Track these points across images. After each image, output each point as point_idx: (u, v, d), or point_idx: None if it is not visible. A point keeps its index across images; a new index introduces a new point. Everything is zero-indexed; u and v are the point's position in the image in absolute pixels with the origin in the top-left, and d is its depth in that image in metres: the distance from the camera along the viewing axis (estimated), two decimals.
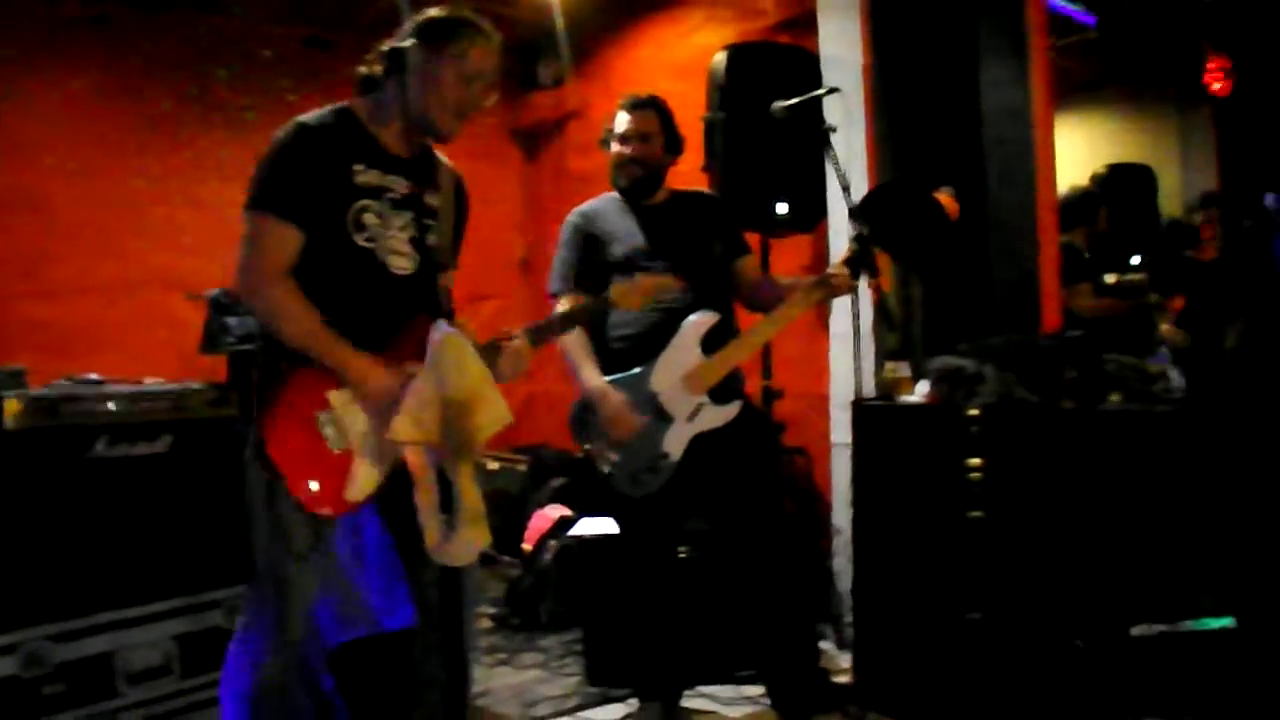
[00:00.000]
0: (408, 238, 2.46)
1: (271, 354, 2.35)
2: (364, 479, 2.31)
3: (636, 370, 3.16)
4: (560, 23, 6.11)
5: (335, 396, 2.30)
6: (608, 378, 3.16)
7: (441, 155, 2.63)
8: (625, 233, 3.29)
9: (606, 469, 3.16)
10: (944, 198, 3.02)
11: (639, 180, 3.30)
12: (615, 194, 3.39)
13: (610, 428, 3.11)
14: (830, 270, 3.09)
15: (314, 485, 2.27)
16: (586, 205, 3.41)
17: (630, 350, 3.21)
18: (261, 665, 2.37)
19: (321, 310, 2.32)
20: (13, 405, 2.95)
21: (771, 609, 3.20)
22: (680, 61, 5.57)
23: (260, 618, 2.41)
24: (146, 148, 5.35)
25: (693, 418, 3.13)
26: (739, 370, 3.24)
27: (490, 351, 2.44)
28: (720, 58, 4.35)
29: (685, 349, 3.13)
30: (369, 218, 2.39)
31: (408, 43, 2.41)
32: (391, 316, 2.40)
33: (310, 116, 2.40)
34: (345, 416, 2.31)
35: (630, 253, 3.25)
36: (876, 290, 3.04)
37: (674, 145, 3.35)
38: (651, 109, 3.31)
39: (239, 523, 2.46)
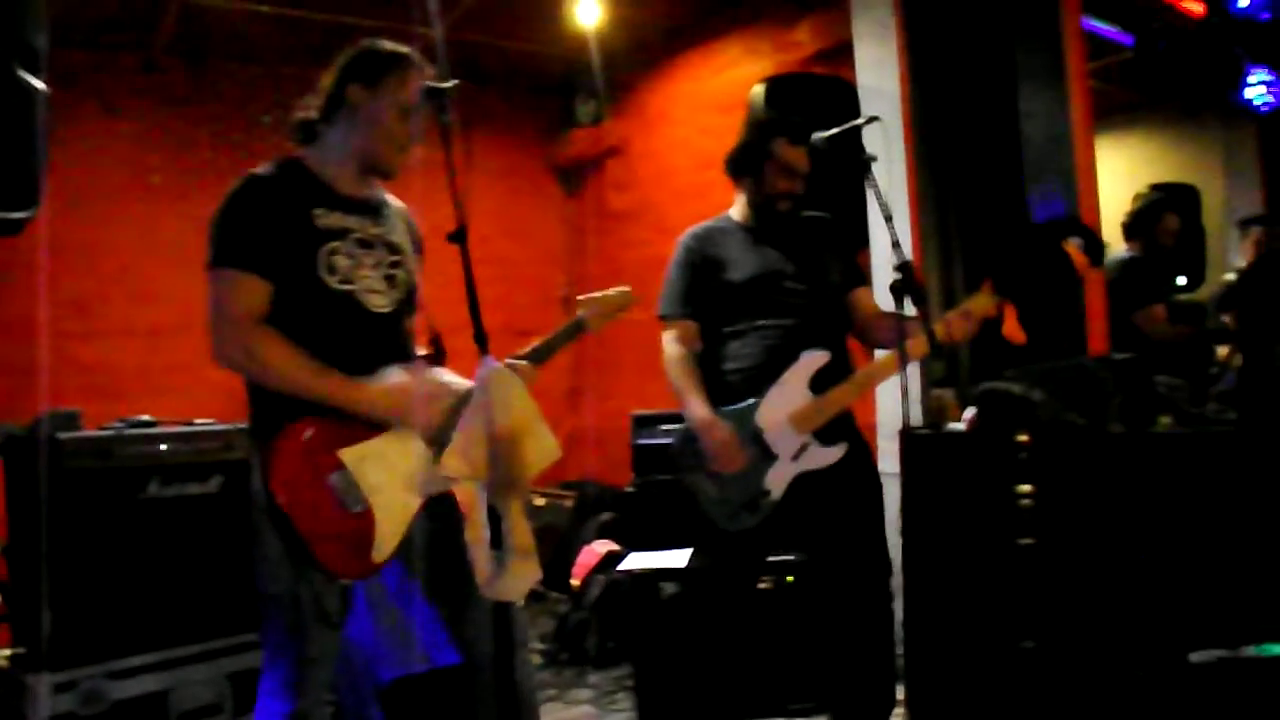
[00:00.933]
0: (381, 275, 2.43)
1: (265, 418, 2.30)
2: (388, 535, 2.29)
3: (748, 403, 3.11)
4: (597, 60, 6.16)
5: (346, 455, 2.25)
6: (718, 410, 3.11)
7: (389, 196, 2.61)
8: (747, 257, 3.22)
9: (704, 501, 3.13)
10: (1072, 249, 2.99)
11: (786, 213, 3.24)
12: (732, 216, 3.33)
13: (714, 462, 3.06)
14: (951, 313, 3.02)
15: (340, 550, 2.23)
16: (699, 228, 3.32)
17: (742, 383, 3.14)
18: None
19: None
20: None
21: (864, 649, 3.15)
22: (718, 95, 5.60)
23: (284, 691, 2.31)
24: (192, 193, 5.44)
25: (797, 457, 3.08)
26: (851, 409, 3.19)
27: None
28: (758, 90, 4.36)
29: (794, 387, 3.08)
30: (339, 260, 2.36)
31: (344, 84, 2.40)
32: (374, 356, 2.37)
33: (261, 168, 2.39)
34: (359, 473, 2.26)
35: (750, 278, 3.18)
36: (922, 319, 3.01)
37: None
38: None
39: None
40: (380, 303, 2.42)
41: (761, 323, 3.16)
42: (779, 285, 3.18)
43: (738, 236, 3.26)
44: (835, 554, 3.18)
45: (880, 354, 3.16)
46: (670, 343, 3.21)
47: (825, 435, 3.09)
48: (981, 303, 3.03)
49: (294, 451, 2.23)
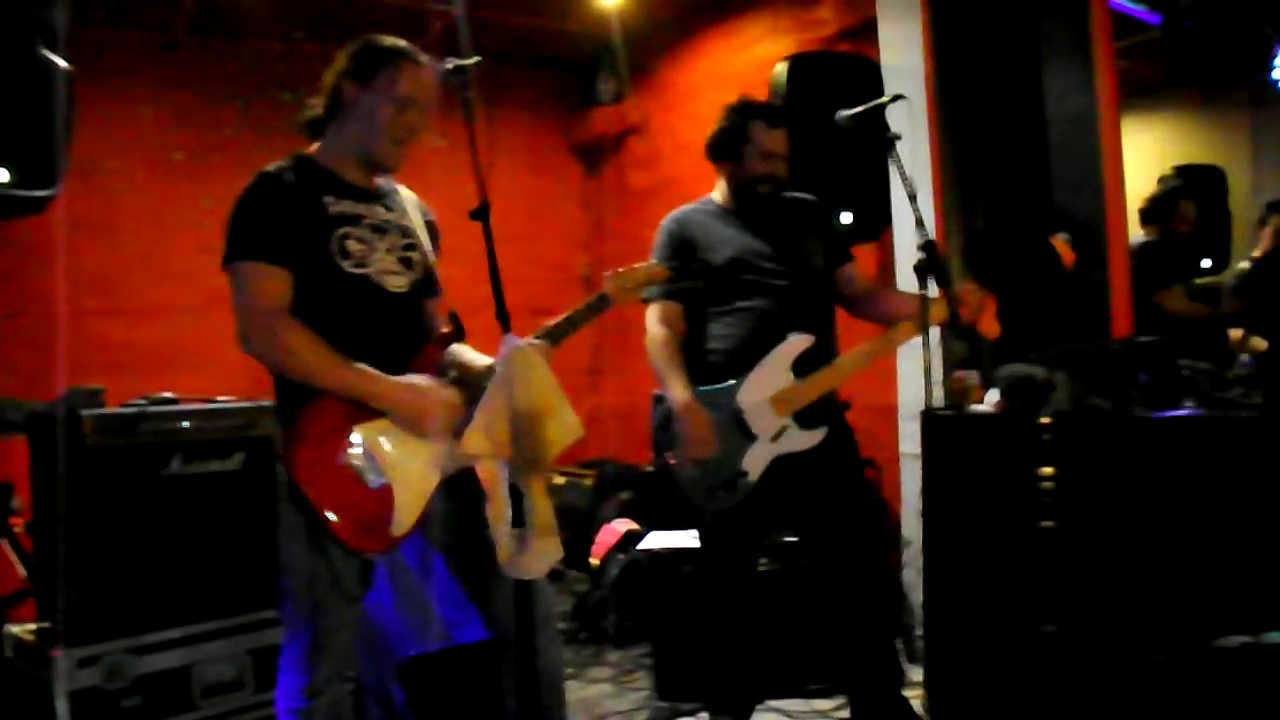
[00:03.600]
0: (396, 258, 2.47)
1: (290, 396, 2.33)
2: (407, 509, 2.32)
3: (729, 383, 3.12)
4: (619, 38, 6.14)
5: (362, 431, 2.29)
6: (700, 389, 3.12)
7: (401, 186, 2.64)
8: (727, 239, 3.24)
9: (682, 480, 3.14)
10: (1059, 244, 2.98)
11: (767, 196, 3.26)
12: (714, 200, 3.35)
13: (686, 445, 3.07)
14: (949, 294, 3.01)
15: (358, 524, 2.27)
16: (680, 211, 3.35)
17: (725, 364, 3.16)
18: (308, 704, 2.33)
19: (330, 343, 2.32)
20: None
21: (864, 627, 3.16)
22: (740, 74, 5.56)
23: (302, 664, 2.35)
24: (213, 171, 5.45)
25: (776, 439, 3.09)
26: (834, 390, 3.20)
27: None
28: (781, 68, 4.34)
29: (776, 369, 3.09)
30: (353, 244, 2.40)
31: (341, 81, 2.44)
32: (393, 336, 2.41)
33: (270, 166, 2.43)
34: (376, 449, 2.30)
35: (734, 258, 3.20)
36: (947, 299, 2.99)
37: None
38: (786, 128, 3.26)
39: None
40: (398, 284, 2.45)
41: (744, 304, 3.17)
42: (758, 266, 3.18)
43: (718, 219, 3.29)
44: (823, 534, 3.19)
45: (858, 347, 3.16)
46: (654, 324, 3.22)
47: (805, 418, 3.09)
48: (965, 293, 3.04)
49: (315, 428, 2.27)
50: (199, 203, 5.38)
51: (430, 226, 2.65)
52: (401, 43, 2.49)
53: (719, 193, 3.36)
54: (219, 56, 5.59)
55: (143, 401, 3.26)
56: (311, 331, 2.30)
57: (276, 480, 2.33)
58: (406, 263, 2.49)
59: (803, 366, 3.09)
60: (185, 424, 3.23)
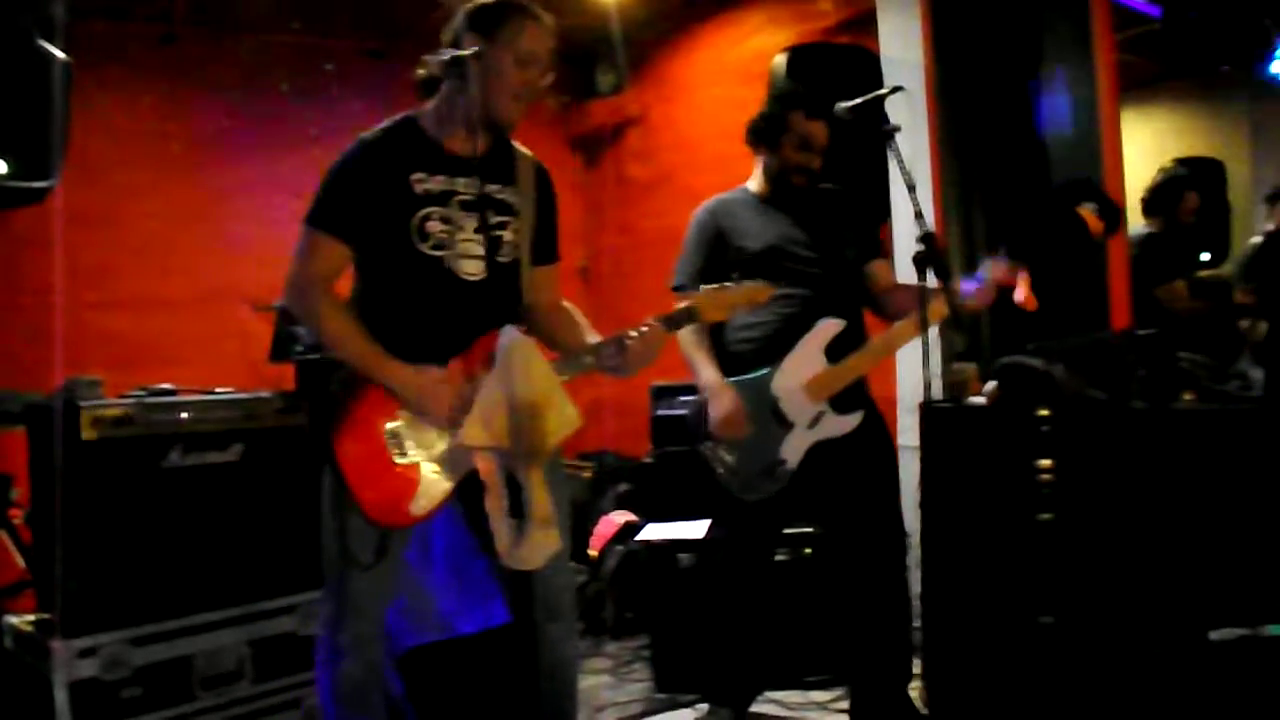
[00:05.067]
0: (482, 239, 2.44)
1: (345, 372, 2.39)
2: (430, 492, 2.35)
3: (762, 372, 3.13)
4: (617, 29, 6.12)
5: (403, 411, 2.35)
6: (732, 379, 3.13)
7: (520, 146, 2.62)
8: (763, 227, 3.23)
9: (720, 470, 3.13)
10: (1087, 213, 2.97)
11: (802, 187, 3.26)
12: (749, 188, 3.35)
13: (719, 428, 3.08)
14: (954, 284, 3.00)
15: (379, 496, 2.31)
16: (714, 201, 3.34)
17: (754, 352, 3.17)
18: (338, 667, 2.41)
19: (393, 321, 2.37)
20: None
21: (880, 621, 3.17)
22: (739, 65, 5.56)
23: (329, 622, 2.45)
24: (211, 163, 5.45)
25: (813, 425, 3.09)
26: (865, 378, 3.21)
27: (606, 348, 2.47)
28: (780, 59, 4.32)
29: (809, 355, 3.09)
30: (433, 225, 2.40)
31: (461, 36, 2.41)
32: (463, 323, 2.40)
33: (372, 132, 2.44)
34: (413, 429, 2.35)
35: (765, 248, 3.19)
36: (944, 291, 2.99)
37: None
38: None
39: (309, 529, 2.51)
40: (472, 269, 2.45)
41: (776, 292, 3.15)
42: (793, 255, 3.18)
43: (753, 208, 3.28)
44: (851, 524, 3.19)
45: (889, 329, 3.16)
46: None
47: (840, 403, 3.10)
48: (997, 269, 3.03)
49: (362, 401, 2.34)
50: (197, 194, 5.40)
51: (545, 184, 2.64)
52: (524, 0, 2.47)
53: (754, 181, 3.36)
54: (217, 49, 5.57)
55: (141, 393, 3.26)
56: (342, 305, 2.38)
57: (318, 446, 2.36)
58: (495, 242, 2.48)
59: (835, 352, 3.09)
60: (184, 415, 3.22)
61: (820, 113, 3.21)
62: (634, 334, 2.47)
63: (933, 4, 4.23)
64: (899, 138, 3.10)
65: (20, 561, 3.50)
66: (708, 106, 6.01)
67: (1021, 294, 3.07)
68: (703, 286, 2.75)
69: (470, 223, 2.44)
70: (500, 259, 2.49)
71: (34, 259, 4.92)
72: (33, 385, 3.56)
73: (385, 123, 2.47)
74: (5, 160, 3.10)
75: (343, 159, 2.41)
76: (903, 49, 4.27)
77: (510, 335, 2.19)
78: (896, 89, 3.21)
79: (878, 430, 3.24)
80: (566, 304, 2.68)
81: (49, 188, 3.23)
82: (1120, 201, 4.15)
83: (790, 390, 3.08)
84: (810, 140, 3.20)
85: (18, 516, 3.54)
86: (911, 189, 3.02)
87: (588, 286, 6.80)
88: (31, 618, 3.18)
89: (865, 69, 4.22)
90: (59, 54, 3.19)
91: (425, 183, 2.42)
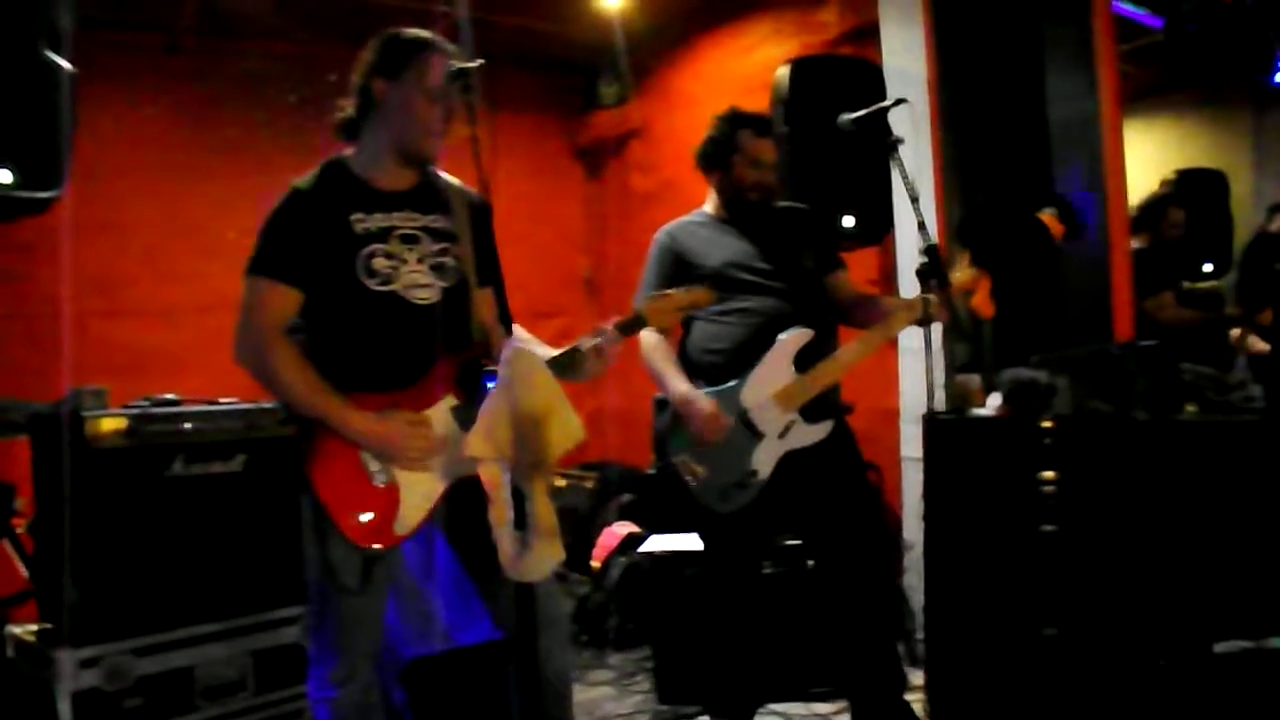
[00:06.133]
0: (428, 266, 2.47)
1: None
2: (411, 512, 2.36)
3: (730, 384, 3.13)
4: (621, 41, 6.14)
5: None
6: (702, 390, 3.14)
7: (448, 176, 2.62)
8: (718, 246, 3.26)
9: (692, 483, 3.14)
10: (1048, 218, 2.99)
11: (757, 204, 3.28)
12: (705, 211, 3.39)
13: (700, 433, 3.08)
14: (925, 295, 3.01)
15: (362, 520, 2.32)
16: (672, 225, 3.38)
17: (721, 365, 3.18)
18: (333, 702, 2.40)
19: (349, 357, 2.38)
20: (107, 424, 3.03)
21: (866, 630, 3.17)
22: (743, 77, 5.56)
23: (319, 658, 2.44)
24: (216, 172, 5.45)
25: (783, 435, 3.10)
26: (837, 387, 3.21)
27: (573, 358, 2.45)
28: (783, 72, 4.33)
29: (777, 365, 3.10)
30: (379, 261, 2.41)
31: (370, 79, 2.44)
32: (420, 348, 2.42)
33: (303, 179, 2.46)
34: None
35: (726, 262, 3.22)
36: (946, 303, 3.00)
37: None
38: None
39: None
40: (425, 296, 2.45)
41: (742, 305, 3.19)
42: (750, 268, 3.22)
43: (709, 228, 3.34)
44: (828, 533, 3.20)
45: (857, 338, 3.17)
46: (647, 332, 3.21)
47: (810, 413, 3.10)
48: (962, 276, 3.05)
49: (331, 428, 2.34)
50: (201, 203, 5.40)
51: (480, 211, 2.56)
52: (426, 33, 2.49)
53: (710, 203, 3.41)
54: (222, 59, 5.59)
55: (146, 403, 3.27)
56: (299, 356, 2.36)
57: (294, 475, 2.38)
58: (439, 269, 2.49)
59: (804, 362, 3.10)
60: (188, 425, 3.23)
61: (768, 130, 3.32)
62: (589, 343, 2.49)
63: (936, 16, 4.24)
64: (902, 149, 3.11)
65: (23, 571, 3.49)
66: (711, 119, 6.00)
67: (978, 299, 3.09)
68: (647, 294, 2.83)
69: (413, 255, 2.46)
70: (447, 284, 2.49)
71: (39, 268, 4.93)
72: (37, 394, 3.56)
73: (315, 169, 2.49)
74: (11, 170, 3.10)
75: (279, 206, 2.42)
76: (906, 61, 4.28)
77: (513, 346, 2.19)
78: (900, 101, 3.22)
79: (845, 439, 3.25)
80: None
81: (55, 197, 3.23)
82: (1123, 213, 4.16)
83: (760, 401, 3.09)
84: (759, 157, 3.26)
85: (21, 526, 3.54)
86: (915, 201, 3.03)
87: (592, 296, 6.82)
88: (34, 627, 3.19)
89: (868, 81, 4.23)
90: (65, 64, 3.20)
91: (364, 221, 2.43)
